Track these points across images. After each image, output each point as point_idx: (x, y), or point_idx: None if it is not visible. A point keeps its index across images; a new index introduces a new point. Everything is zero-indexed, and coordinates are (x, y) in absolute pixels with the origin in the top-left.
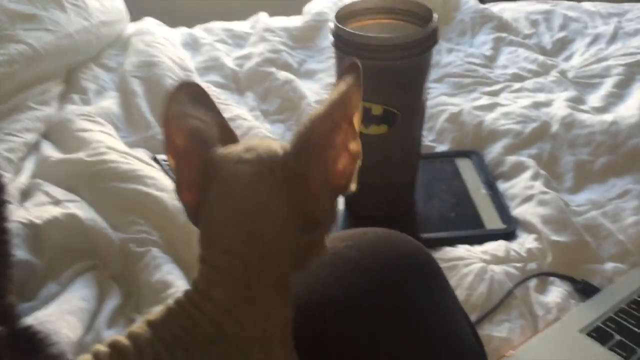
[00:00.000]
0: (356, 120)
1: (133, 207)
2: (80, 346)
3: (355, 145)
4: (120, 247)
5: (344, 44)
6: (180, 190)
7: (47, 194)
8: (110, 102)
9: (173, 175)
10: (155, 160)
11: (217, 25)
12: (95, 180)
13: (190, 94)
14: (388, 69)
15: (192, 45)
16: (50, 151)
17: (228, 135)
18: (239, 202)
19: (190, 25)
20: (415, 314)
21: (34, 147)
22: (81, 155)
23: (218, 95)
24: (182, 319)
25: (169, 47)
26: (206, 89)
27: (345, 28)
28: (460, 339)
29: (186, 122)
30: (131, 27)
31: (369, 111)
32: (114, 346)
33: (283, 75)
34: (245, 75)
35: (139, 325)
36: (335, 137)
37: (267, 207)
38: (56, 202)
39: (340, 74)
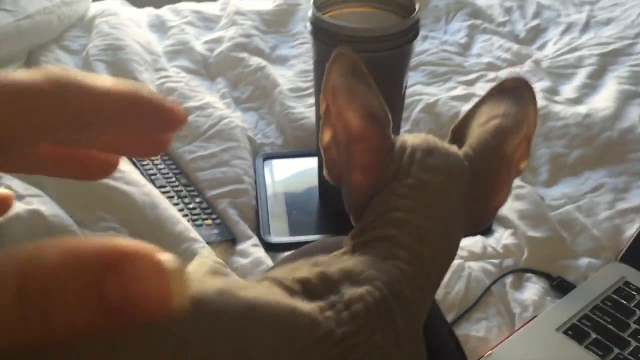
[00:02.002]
0: (532, 140)
1: (100, 202)
2: None
3: (524, 165)
4: None
5: (323, 34)
6: (347, 171)
7: (9, 188)
8: None
9: (144, 168)
10: None
11: (186, 6)
12: None
13: (351, 65)
14: (368, 60)
15: (159, 27)
16: None
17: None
18: (434, 201)
19: (157, 5)
20: None
21: None
22: None
23: (188, 82)
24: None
25: (135, 30)
26: (360, 60)
27: (323, 17)
28: (437, 341)
29: (360, 100)
30: (94, 7)
31: None
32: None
33: (255, 61)
34: (215, 61)
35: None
36: (517, 152)
37: (458, 215)
38: (18, 197)
39: (319, 64)
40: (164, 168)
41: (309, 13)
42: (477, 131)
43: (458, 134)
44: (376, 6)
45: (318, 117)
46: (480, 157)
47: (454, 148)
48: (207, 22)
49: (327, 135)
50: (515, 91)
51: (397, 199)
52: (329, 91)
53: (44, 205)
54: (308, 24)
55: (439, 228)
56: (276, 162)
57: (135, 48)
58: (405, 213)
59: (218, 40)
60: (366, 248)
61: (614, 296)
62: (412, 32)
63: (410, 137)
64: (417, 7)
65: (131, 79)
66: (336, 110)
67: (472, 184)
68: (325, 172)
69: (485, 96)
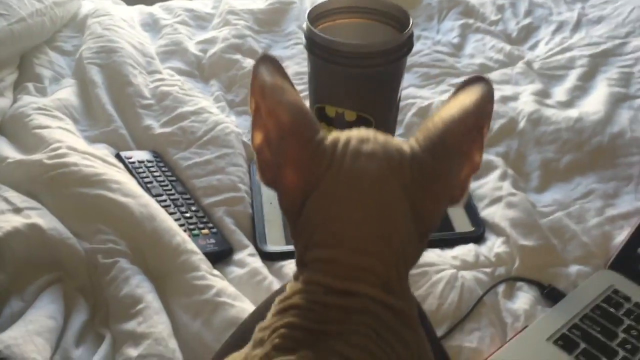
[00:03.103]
0: (485, 131)
1: (98, 215)
2: None
3: (479, 157)
4: (86, 259)
5: (318, 49)
6: (280, 169)
7: (6, 200)
8: (68, 92)
9: (140, 176)
10: (119, 158)
11: (178, 4)
12: (57, 185)
13: (275, 67)
14: (363, 75)
15: (152, 26)
16: (6, 149)
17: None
18: (370, 199)
19: (148, 2)
20: None
21: None
22: (40, 156)
23: (182, 85)
24: (319, 311)
25: (129, 31)
26: (281, 65)
27: (318, 32)
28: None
29: (288, 96)
30: (86, 6)
31: (342, 116)
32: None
33: (249, 62)
34: (209, 62)
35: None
36: (465, 143)
37: (399, 205)
38: (16, 209)
39: (314, 77)
40: (159, 175)
41: (304, 26)
42: (425, 126)
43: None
44: (369, 17)
45: None
46: (422, 145)
47: (395, 139)
48: (200, 20)
49: (258, 137)
50: (470, 87)
51: (331, 203)
52: (258, 90)
53: (42, 218)
54: (303, 38)
55: (379, 231)
56: None
57: (129, 50)
58: (341, 225)
59: (211, 41)
60: (308, 275)
61: (603, 305)
62: (406, 46)
63: (344, 132)
64: (411, 21)
65: (125, 83)
66: (266, 107)
67: (417, 174)
68: (258, 175)
69: (447, 99)
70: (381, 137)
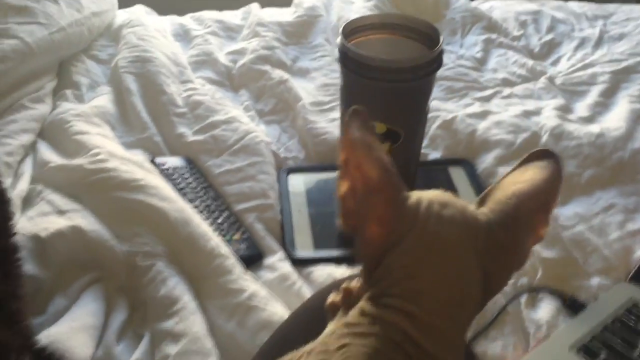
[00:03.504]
0: (552, 209)
1: (136, 218)
2: None
3: (544, 231)
4: (125, 260)
5: (351, 63)
6: (363, 221)
7: (49, 202)
8: (104, 100)
9: (174, 182)
10: (154, 163)
11: (208, 15)
12: (97, 190)
13: (365, 122)
14: (393, 90)
15: (183, 36)
16: (47, 154)
17: None
18: (450, 263)
19: (180, 13)
20: None
21: (30, 148)
22: (81, 161)
23: (213, 94)
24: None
25: (162, 41)
26: (370, 120)
27: (352, 47)
28: None
29: (377, 153)
30: (121, 16)
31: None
32: None
33: (277, 74)
34: (238, 73)
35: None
36: (534, 218)
37: (473, 271)
38: (59, 212)
39: (346, 90)
40: (192, 182)
41: (338, 41)
42: (496, 196)
43: (483, 201)
44: (401, 34)
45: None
46: (496, 217)
47: (471, 205)
48: (230, 31)
49: (344, 186)
50: (540, 161)
51: (414, 262)
52: (348, 143)
53: (84, 220)
54: (337, 52)
55: (454, 294)
56: (300, 177)
57: (162, 60)
58: (422, 283)
59: (241, 52)
60: (379, 319)
61: (624, 317)
62: (436, 62)
63: (425, 193)
64: (441, 39)
65: (159, 91)
66: (355, 161)
67: (490, 244)
68: (340, 222)
69: (513, 167)
70: (459, 203)
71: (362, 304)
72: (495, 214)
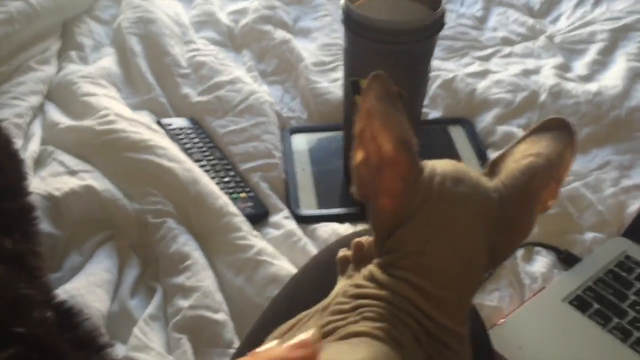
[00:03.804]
0: (563, 181)
1: (146, 178)
2: (109, 317)
3: (552, 203)
4: (136, 218)
5: (355, 25)
6: (376, 192)
7: (61, 163)
8: (109, 61)
9: (180, 142)
10: (160, 124)
11: None
12: (107, 150)
13: (385, 89)
14: (396, 51)
15: None
16: (56, 115)
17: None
18: (460, 241)
19: None
20: None
21: (38, 110)
22: (91, 122)
23: (216, 55)
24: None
25: (164, 0)
26: (393, 85)
27: (355, 9)
28: None
29: (395, 125)
30: None
31: None
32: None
33: (279, 34)
34: (240, 33)
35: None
36: (544, 192)
37: (482, 248)
38: (71, 172)
39: (349, 52)
40: (199, 142)
41: (341, 2)
42: (509, 167)
43: (495, 169)
44: None
45: (346, 115)
46: (508, 193)
47: (483, 179)
48: None
49: (359, 156)
50: (555, 131)
51: (425, 239)
52: (365, 114)
53: (96, 180)
54: (339, 12)
55: (462, 270)
56: (303, 136)
57: (165, 21)
58: (432, 260)
59: (242, 12)
60: (394, 285)
61: (616, 269)
62: (438, 24)
63: (439, 164)
64: (443, 0)
65: (163, 52)
66: (370, 133)
67: (500, 219)
68: (353, 190)
69: (527, 134)
70: (472, 177)
71: (373, 269)
72: (508, 189)
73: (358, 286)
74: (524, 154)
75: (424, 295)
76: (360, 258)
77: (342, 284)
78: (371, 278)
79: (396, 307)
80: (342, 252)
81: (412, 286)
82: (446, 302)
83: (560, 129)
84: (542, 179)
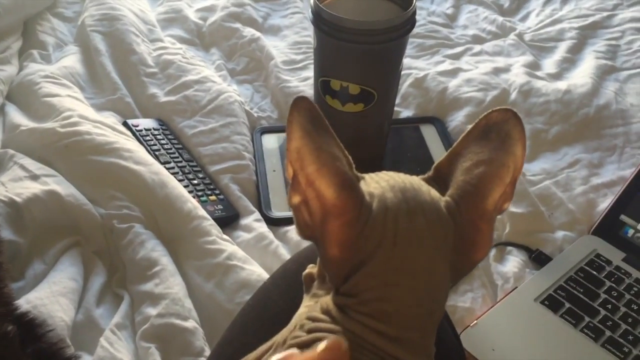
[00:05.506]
0: (516, 182)
1: (112, 182)
2: (74, 327)
3: (507, 206)
4: (102, 224)
5: (324, 24)
6: (322, 239)
7: (22, 167)
8: (72, 60)
9: (147, 144)
10: (126, 125)
11: None
12: (71, 153)
13: (310, 115)
14: (367, 51)
15: None
16: (17, 117)
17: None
18: (421, 284)
19: None
20: None
21: None
22: (53, 125)
23: (184, 53)
24: None
25: None
26: (315, 107)
27: (325, 8)
28: None
29: (330, 166)
30: None
31: (347, 90)
32: None
33: (249, 32)
34: (209, 30)
35: None
36: (498, 198)
37: (444, 282)
38: (33, 176)
39: (319, 51)
40: (166, 143)
41: (311, 2)
42: (460, 179)
43: (441, 172)
44: None
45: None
46: (462, 212)
47: (435, 195)
48: None
49: (296, 198)
50: (502, 127)
51: (384, 285)
52: (295, 156)
53: (59, 185)
54: (309, 13)
55: (426, 309)
56: (274, 136)
57: (131, 18)
58: (392, 306)
59: (210, 9)
60: (350, 332)
61: (586, 268)
62: (409, 23)
63: (386, 188)
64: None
65: (129, 51)
66: (306, 178)
67: (457, 240)
68: (297, 232)
69: (472, 130)
70: (426, 201)
71: (331, 305)
72: (461, 207)
73: (314, 319)
74: (474, 161)
75: (385, 338)
76: (324, 276)
77: (301, 312)
78: (328, 314)
79: (356, 344)
80: (308, 269)
81: (372, 330)
82: (410, 341)
83: (506, 122)
84: (498, 190)
